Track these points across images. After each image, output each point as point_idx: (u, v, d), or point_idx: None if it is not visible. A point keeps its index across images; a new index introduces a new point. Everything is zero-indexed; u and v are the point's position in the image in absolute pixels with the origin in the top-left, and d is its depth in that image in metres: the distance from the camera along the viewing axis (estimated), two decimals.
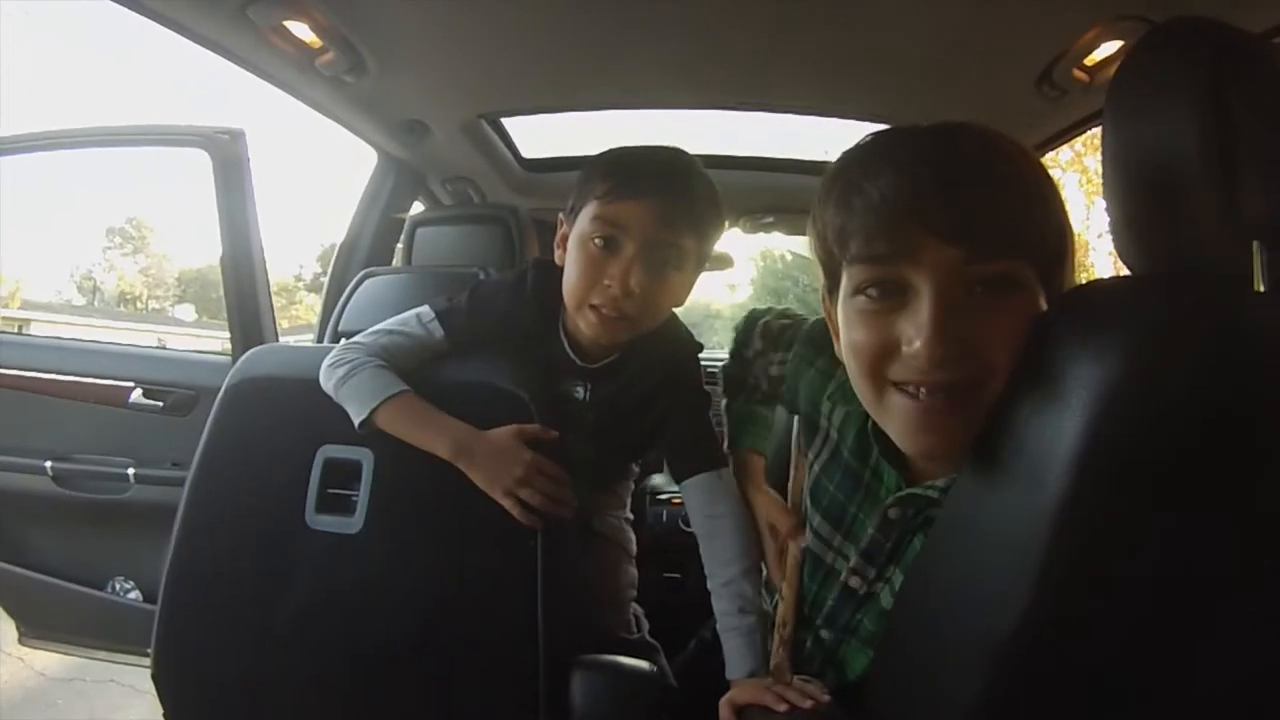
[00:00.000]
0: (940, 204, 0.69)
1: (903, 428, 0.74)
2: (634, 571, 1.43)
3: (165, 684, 1.16)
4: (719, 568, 1.13)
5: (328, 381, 1.11)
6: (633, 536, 1.45)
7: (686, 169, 1.14)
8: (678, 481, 1.23)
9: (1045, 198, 0.73)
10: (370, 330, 1.15)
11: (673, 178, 1.11)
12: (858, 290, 0.74)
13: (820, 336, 0.98)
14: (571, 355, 1.22)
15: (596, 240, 1.09)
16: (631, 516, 1.47)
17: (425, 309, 1.17)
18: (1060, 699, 0.62)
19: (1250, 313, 0.59)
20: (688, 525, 1.26)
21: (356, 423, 1.08)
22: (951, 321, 0.68)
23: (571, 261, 1.13)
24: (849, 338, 0.76)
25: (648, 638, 1.36)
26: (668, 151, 1.16)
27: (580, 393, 1.24)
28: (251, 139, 1.72)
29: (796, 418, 1.10)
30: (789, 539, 1.06)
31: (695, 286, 1.19)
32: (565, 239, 1.16)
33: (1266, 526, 0.57)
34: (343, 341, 1.14)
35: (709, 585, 1.14)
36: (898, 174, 0.71)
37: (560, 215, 1.18)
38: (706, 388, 1.27)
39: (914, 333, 0.69)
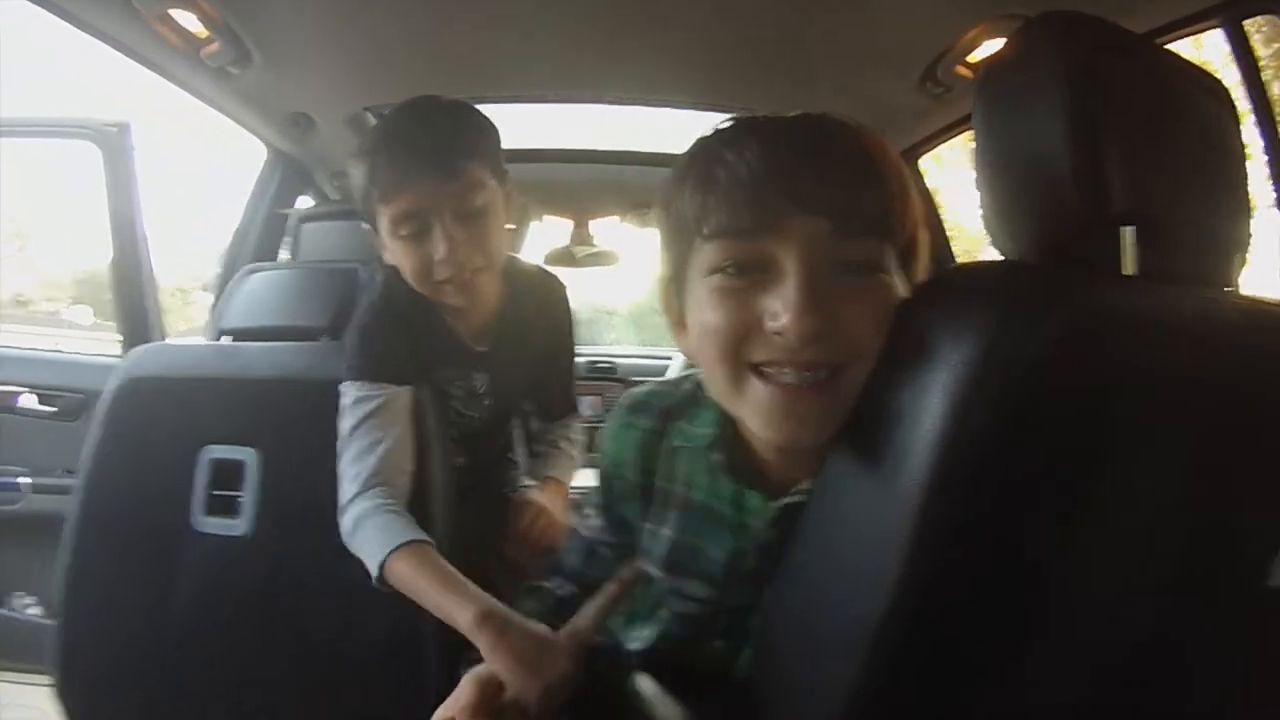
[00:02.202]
0: (809, 175, 0.66)
1: (763, 414, 0.69)
2: None
3: (68, 699, 1.14)
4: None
5: (342, 531, 1.04)
6: None
7: (435, 117, 1.13)
8: (539, 421, 1.42)
9: (905, 184, 0.71)
10: (352, 451, 1.06)
11: (433, 136, 1.09)
12: (715, 268, 0.70)
13: (640, 398, 0.92)
14: (465, 341, 1.23)
15: (404, 232, 1.08)
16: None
17: (351, 385, 1.09)
18: (938, 678, 0.62)
19: (1110, 295, 0.60)
20: None
21: (373, 579, 1.00)
22: (819, 298, 0.65)
23: (399, 259, 1.12)
24: (703, 321, 0.71)
25: None
26: (411, 110, 1.15)
27: (479, 380, 1.26)
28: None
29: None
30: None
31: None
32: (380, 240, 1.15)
33: (1118, 507, 0.58)
34: (349, 471, 1.05)
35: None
36: (764, 147, 0.68)
37: (363, 223, 1.17)
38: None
39: (780, 307, 0.65)
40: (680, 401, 0.88)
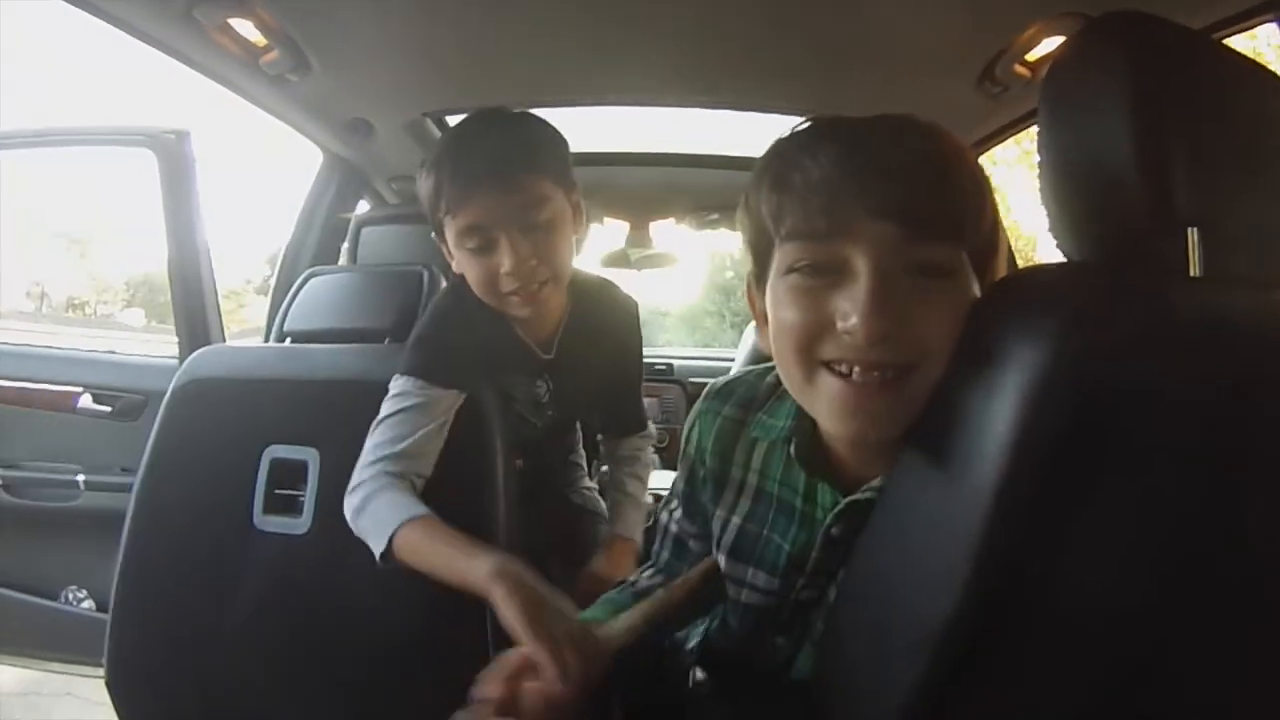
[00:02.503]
0: (882, 181, 0.68)
1: (832, 409, 0.72)
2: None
3: (119, 692, 1.15)
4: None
5: (347, 511, 1.05)
6: (603, 502, 1.51)
7: (504, 131, 1.14)
8: (606, 436, 1.40)
9: (981, 188, 0.73)
10: (376, 438, 1.07)
11: (498, 149, 1.10)
12: (791, 268, 0.72)
13: (725, 386, 0.95)
14: (532, 347, 1.24)
15: (471, 245, 1.10)
16: (596, 486, 1.56)
17: (399, 379, 1.11)
18: (1001, 680, 0.62)
19: (1181, 297, 0.60)
20: None
21: (377, 556, 1.01)
22: (889, 300, 0.66)
23: (465, 270, 1.13)
24: (779, 318, 0.74)
25: None
26: (477, 123, 1.16)
27: (541, 387, 1.27)
28: (199, 144, 1.70)
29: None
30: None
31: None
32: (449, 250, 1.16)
33: (1191, 511, 0.57)
34: (367, 456, 1.07)
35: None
36: (838, 151, 0.70)
37: (432, 234, 1.18)
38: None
39: (850, 308, 0.67)
40: (763, 392, 0.91)
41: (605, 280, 1.34)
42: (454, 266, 1.15)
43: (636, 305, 1.35)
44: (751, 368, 0.95)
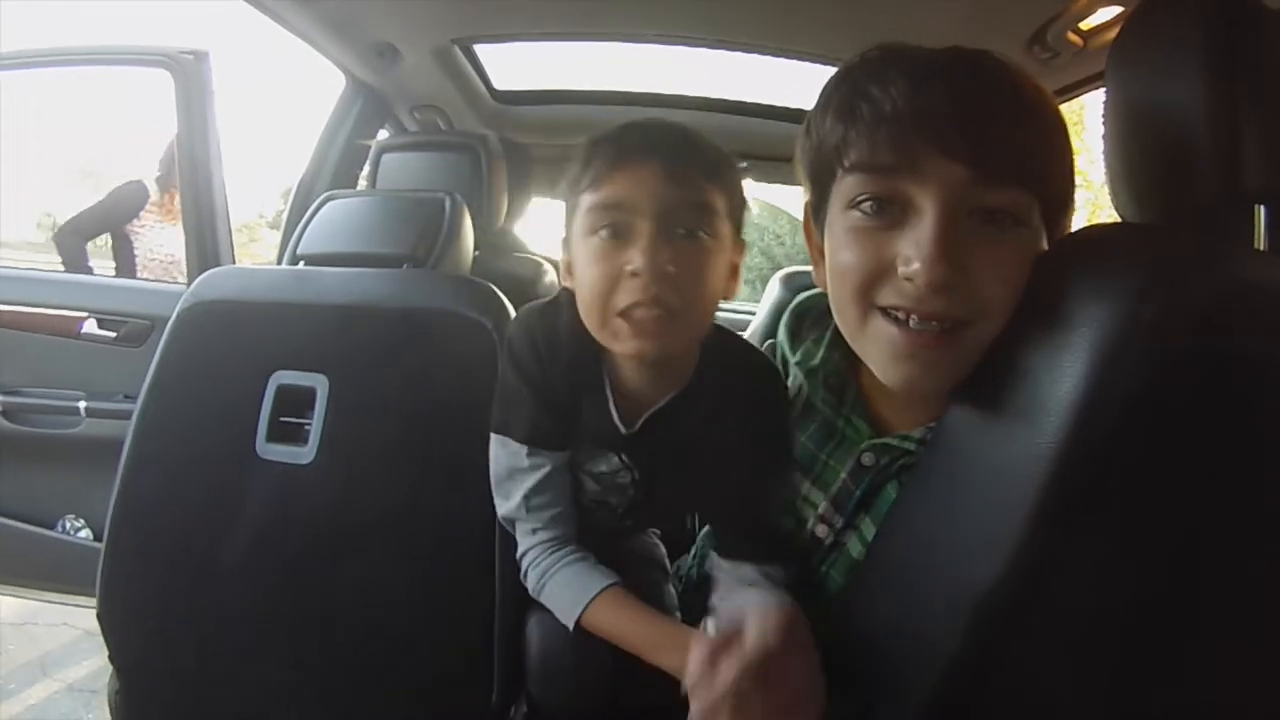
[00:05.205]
0: (953, 119, 0.65)
1: (885, 356, 0.70)
2: (673, 592, 1.13)
3: (110, 622, 1.12)
4: None
5: (530, 584, 0.93)
6: (665, 552, 1.18)
7: (680, 127, 0.89)
8: (719, 553, 0.95)
9: (1058, 135, 0.70)
10: (521, 505, 0.93)
11: (667, 135, 0.87)
12: (852, 204, 0.70)
13: (800, 309, 0.96)
14: (612, 412, 0.94)
15: (602, 232, 0.84)
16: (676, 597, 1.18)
17: (508, 442, 0.93)
18: (1043, 648, 0.61)
19: (1254, 267, 0.60)
20: None
21: (570, 626, 0.90)
22: (953, 246, 0.65)
23: (581, 269, 0.86)
24: (837, 259, 0.72)
25: None
26: (654, 119, 0.90)
27: (619, 467, 0.98)
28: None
29: None
30: None
31: None
32: (569, 266, 0.90)
33: (1256, 481, 0.57)
34: (523, 526, 0.94)
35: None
36: (910, 84, 0.67)
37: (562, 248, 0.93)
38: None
39: (913, 253, 0.65)
40: (818, 317, 0.91)
41: (752, 350, 1.01)
42: (564, 281, 0.93)
43: (781, 380, 0.96)
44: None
